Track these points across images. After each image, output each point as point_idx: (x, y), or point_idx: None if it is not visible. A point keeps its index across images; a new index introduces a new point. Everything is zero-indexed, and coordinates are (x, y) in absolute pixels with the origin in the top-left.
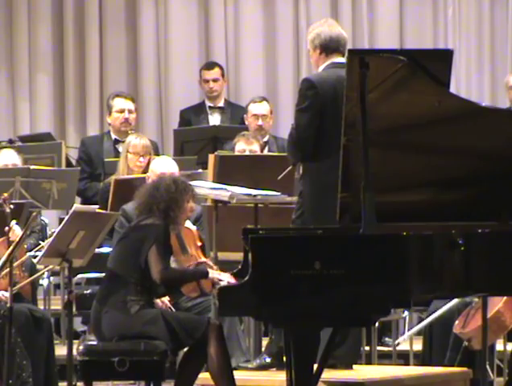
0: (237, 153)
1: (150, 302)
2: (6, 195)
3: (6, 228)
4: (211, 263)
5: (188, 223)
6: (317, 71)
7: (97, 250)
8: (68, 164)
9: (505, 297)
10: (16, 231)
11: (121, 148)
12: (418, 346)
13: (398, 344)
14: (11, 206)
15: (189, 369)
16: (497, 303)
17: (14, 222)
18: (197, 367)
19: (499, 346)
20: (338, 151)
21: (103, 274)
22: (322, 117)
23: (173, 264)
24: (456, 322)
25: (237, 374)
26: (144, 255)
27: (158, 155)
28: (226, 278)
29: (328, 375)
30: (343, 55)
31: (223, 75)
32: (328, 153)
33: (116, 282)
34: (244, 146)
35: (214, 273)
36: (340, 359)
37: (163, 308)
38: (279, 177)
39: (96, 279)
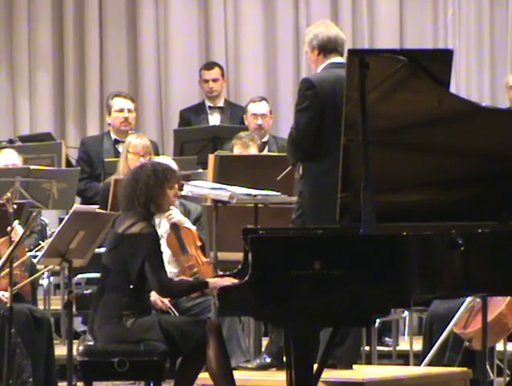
0: None
1: (145, 309)
2: (9, 194)
3: (9, 228)
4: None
5: (188, 223)
6: (316, 72)
7: (96, 250)
8: (68, 164)
9: (508, 299)
10: (18, 231)
11: (121, 148)
12: (418, 346)
13: None
14: (14, 206)
15: (189, 369)
16: (499, 305)
17: (16, 222)
18: (197, 367)
19: (499, 346)
20: (338, 151)
21: None
22: (322, 117)
23: (173, 264)
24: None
25: (237, 374)
26: (137, 266)
27: (158, 155)
28: (227, 282)
29: (328, 375)
30: (341, 55)
31: (223, 76)
32: (327, 153)
33: (110, 293)
34: (241, 151)
35: (215, 283)
36: (340, 359)
37: (162, 308)
38: (279, 177)
39: (96, 279)
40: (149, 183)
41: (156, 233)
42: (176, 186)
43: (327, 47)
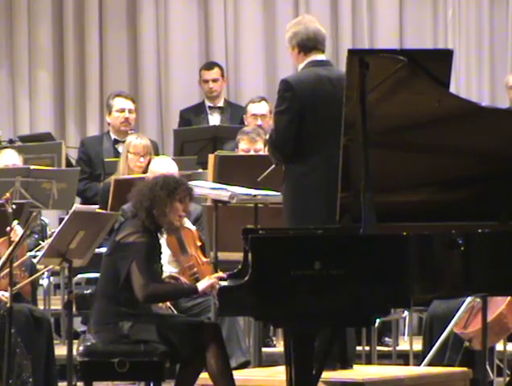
0: (240, 151)
1: (144, 314)
2: (8, 194)
3: (8, 228)
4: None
5: (188, 224)
6: (297, 70)
7: (96, 250)
8: (68, 164)
9: (508, 299)
10: (18, 231)
11: (120, 148)
12: (418, 346)
13: None
14: (13, 206)
15: (189, 373)
16: (500, 305)
17: (15, 222)
18: (197, 371)
19: (499, 346)
20: (319, 152)
21: None
22: (301, 119)
23: (173, 264)
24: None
25: (236, 374)
26: (125, 270)
27: (158, 155)
28: (213, 281)
29: (328, 375)
30: (322, 52)
31: (223, 76)
32: (308, 155)
33: (106, 300)
34: (248, 146)
35: (204, 284)
36: (339, 360)
37: (162, 308)
38: (259, 178)
39: (96, 279)
40: (155, 189)
41: (154, 244)
42: (187, 200)
43: (307, 46)
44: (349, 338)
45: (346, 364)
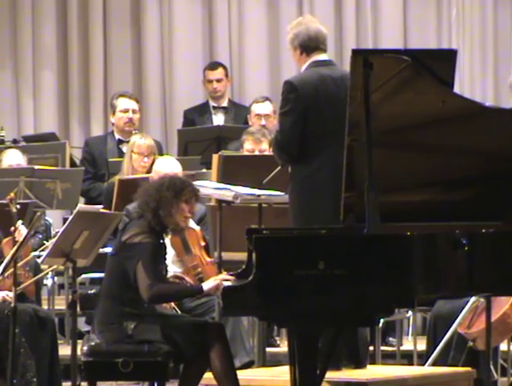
0: (245, 152)
1: (148, 314)
2: (12, 194)
3: (12, 228)
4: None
5: (192, 224)
6: (300, 71)
7: (101, 250)
8: (72, 164)
9: None
10: (22, 231)
11: (124, 148)
12: (422, 346)
13: None
14: (18, 206)
15: (192, 373)
16: (504, 305)
17: (20, 222)
18: (200, 371)
19: (503, 346)
20: (323, 152)
21: None
22: (305, 119)
23: (177, 264)
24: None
25: (240, 374)
26: (133, 270)
27: (162, 155)
28: (219, 281)
29: (332, 374)
30: (324, 52)
31: (227, 76)
32: (313, 155)
33: (110, 300)
34: (253, 146)
35: (209, 284)
36: (351, 359)
37: (167, 308)
38: (265, 180)
39: (100, 279)
40: (162, 190)
41: (159, 245)
42: (193, 201)
43: (309, 46)
44: (361, 339)
45: (360, 364)
